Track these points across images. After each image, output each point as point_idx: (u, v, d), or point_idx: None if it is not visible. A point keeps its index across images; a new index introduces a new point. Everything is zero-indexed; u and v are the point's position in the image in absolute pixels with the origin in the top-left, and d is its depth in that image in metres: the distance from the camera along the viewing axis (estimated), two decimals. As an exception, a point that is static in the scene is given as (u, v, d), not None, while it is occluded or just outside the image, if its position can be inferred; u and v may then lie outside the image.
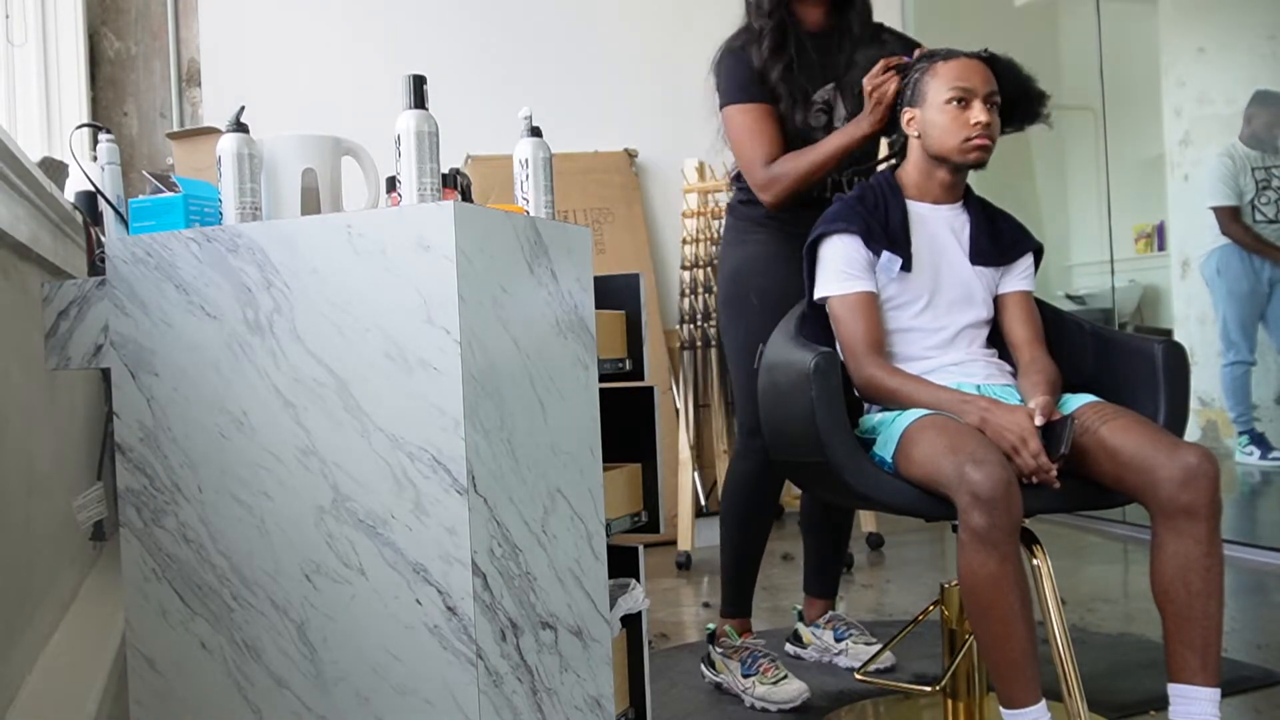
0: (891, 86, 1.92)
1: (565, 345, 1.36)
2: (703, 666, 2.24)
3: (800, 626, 2.39)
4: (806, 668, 2.30)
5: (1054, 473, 1.60)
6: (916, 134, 1.89)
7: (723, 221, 3.70)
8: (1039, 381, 1.77)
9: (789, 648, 2.40)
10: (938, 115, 1.83)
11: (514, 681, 1.21)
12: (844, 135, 2.03)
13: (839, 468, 1.69)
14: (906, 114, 1.89)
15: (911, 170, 1.92)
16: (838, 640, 2.32)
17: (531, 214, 1.49)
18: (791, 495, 3.68)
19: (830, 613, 2.38)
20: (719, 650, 2.20)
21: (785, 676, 2.09)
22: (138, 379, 1.33)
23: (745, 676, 2.11)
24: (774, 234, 2.18)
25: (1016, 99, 1.90)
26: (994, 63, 1.86)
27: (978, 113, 1.81)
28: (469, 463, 1.15)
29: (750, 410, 2.15)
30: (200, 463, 1.30)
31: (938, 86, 1.83)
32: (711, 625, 2.26)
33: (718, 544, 3.70)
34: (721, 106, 2.17)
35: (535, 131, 1.52)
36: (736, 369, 2.23)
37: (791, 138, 2.12)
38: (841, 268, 1.86)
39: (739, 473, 2.24)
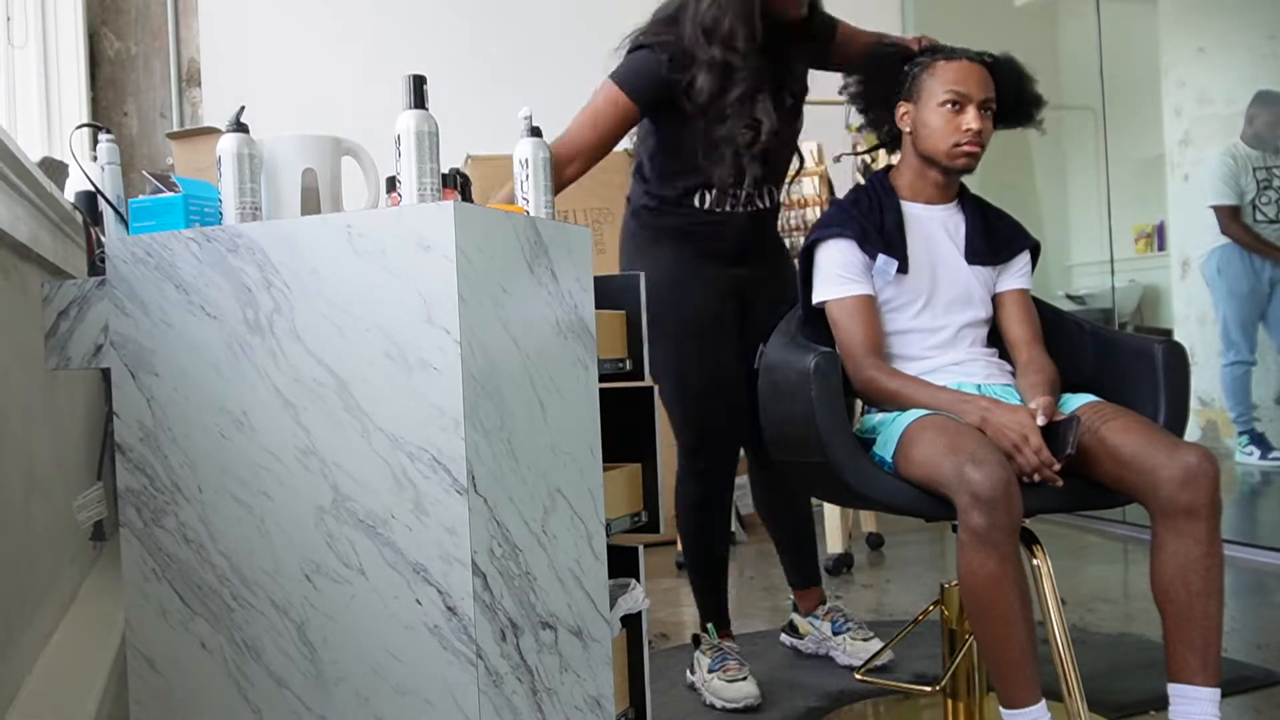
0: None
1: (565, 345, 1.36)
2: (686, 670, 2.26)
3: (796, 617, 2.40)
4: (812, 669, 2.30)
5: (1056, 468, 1.60)
6: (909, 130, 1.89)
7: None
8: (1038, 381, 1.77)
9: (785, 638, 2.41)
10: (930, 116, 1.84)
11: (514, 681, 1.21)
12: None
13: (839, 468, 1.69)
14: (901, 108, 1.89)
15: (905, 170, 1.92)
16: (835, 633, 2.32)
17: (531, 214, 1.49)
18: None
19: (831, 605, 2.38)
20: (699, 650, 2.21)
21: (744, 679, 2.09)
22: (138, 379, 1.33)
23: (709, 672, 2.14)
24: (688, 249, 2.09)
25: (1016, 102, 1.90)
26: (995, 68, 1.86)
27: (970, 119, 1.81)
28: (469, 463, 1.15)
29: (687, 431, 2.17)
30: (200, 463, 1.30)
31: (934, 86, 1.83)
32: (696, 632, 2.27)
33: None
34: (608, 77, 2.01)
35: (535, 131, 1.52)
36: (663, 394, 2.12)
37: (712, 145, 2.00)
38: (838, 272, 1.86)
39: (687, 494, 2.23)
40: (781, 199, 2.23)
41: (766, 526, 2.42)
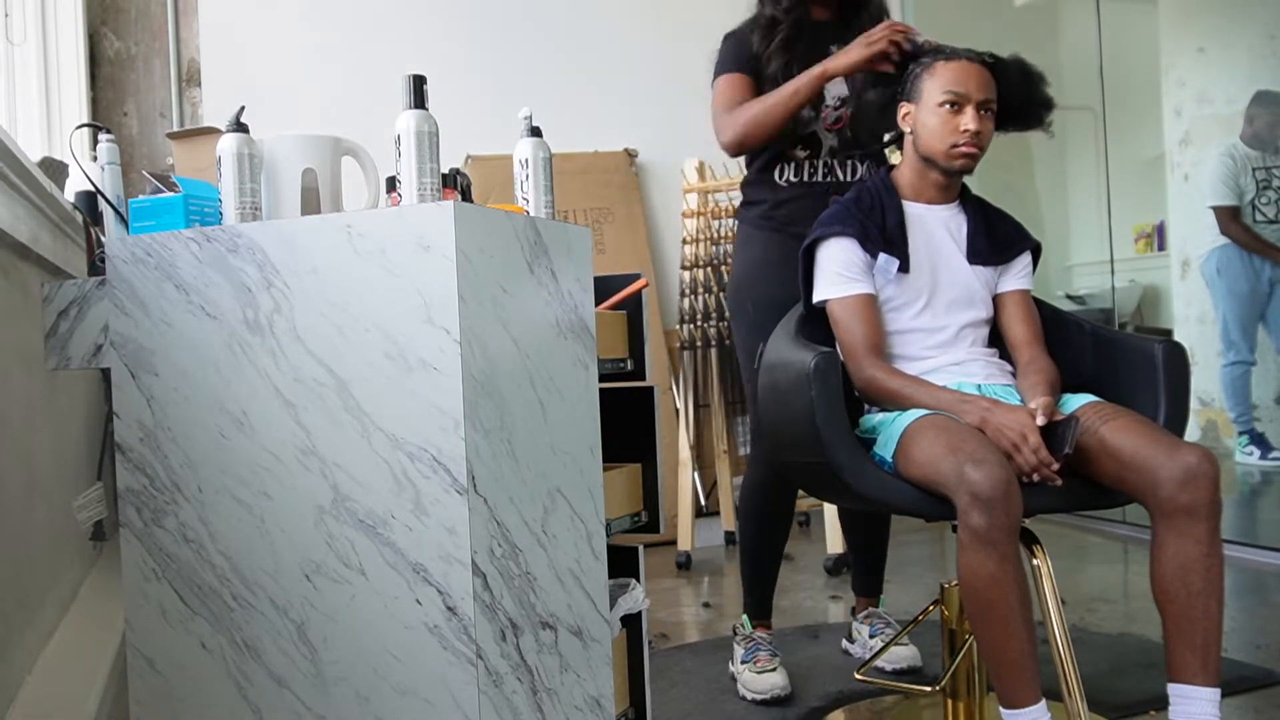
0: (882, 44, 1.94)
1: (565, 345, 1.36)
2: (729, 661, 2.30)
3: (854, 623, 2.43)
4: (816, 668, 2.31)
5: (1055, 467, 1.60)
6: (910, 130, 1.89)
7: (723, 221, 3.71)
8: (1038, 382, 1.77)
9: (844, 644, 2.44)
10: (929, 116, 1.84)
11: (514, 681, 1.21)
12: (811, 70, 2.03)
13: (839, 468, 1.69)
14: (903, 108, 1.90)
15: (906, 170, 1.92)
16: (871, 637, 2.35)
17: (531, 214, 1.49)
18: (807, 502, 3.69)
19: (870, 609, 2.40)
20: (735, 640, 2.25)
21: (774, 670, 2.13)
22: (138, 379, 1.33)
23: (741, 664, 2.18)
24: (770, 237, 2.18)
25: (1021, 104, 1.89)
26: (997, 69, 1.85)
27: (968, 119, 1.80)
28: (469, 463, 1.15)
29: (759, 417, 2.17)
30: (200, 463, 1.30)
31: (933, 86, 1.83)
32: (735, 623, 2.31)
33: (718, 544, 3.75)
34: (713, 82, 2.19)
35: (535, 131, 1.52)
36: (749, 379, 2.22)
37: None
38: (839, 270, 1.86)
39: (753, 479, 2.26)
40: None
41: (843, 530, 2.49)
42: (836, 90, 2.16)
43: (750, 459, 2.30)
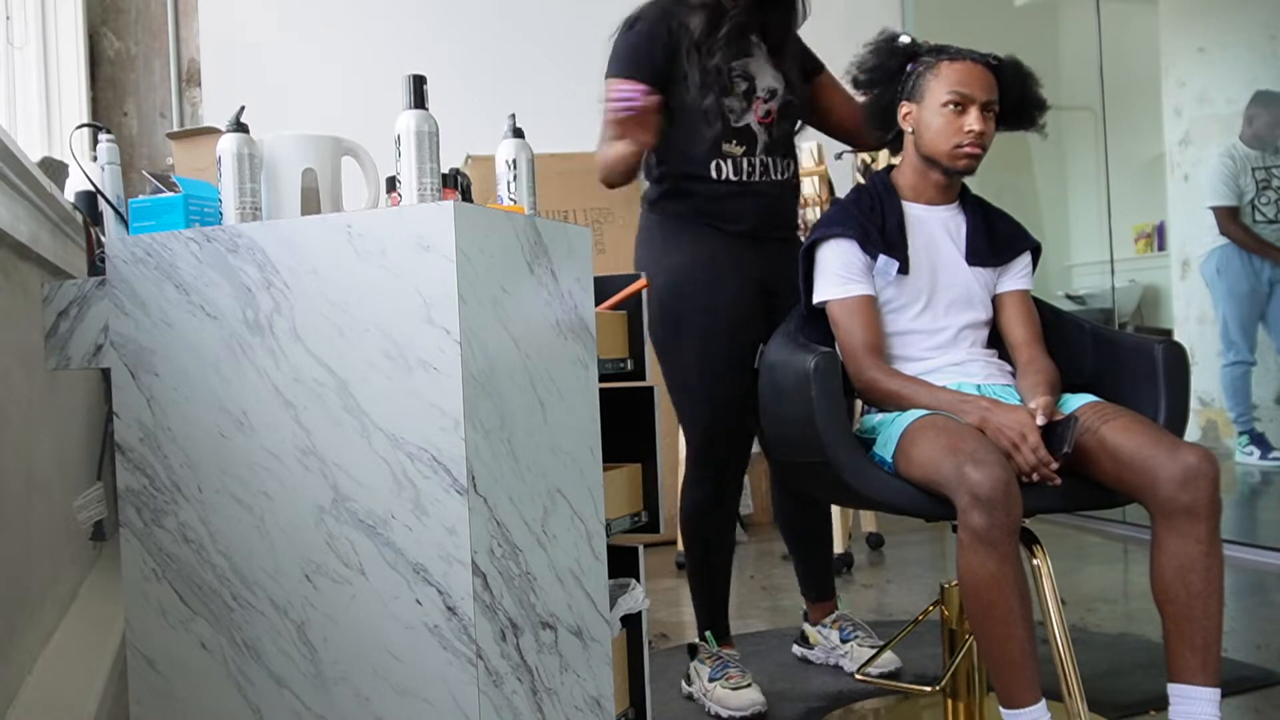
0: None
1: (565, 345, 1.36)
2: (682, 681, 2.20)
3: (806, 626, 2.39)
4: (813, 669, 2.30)
5: (1054, 467, 1.60)
6: (911, 130, 1.89)
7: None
8: (1038, 382, 1.77)
9: (796, 649, 2.39)
10: (933, 117, 1.83)
11: (514, 681, 1.21)
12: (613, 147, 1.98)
13: (839, 468, 1.69)
14: (904, 108, 1.89)
15: (907, 170, 1.92)
16: (843, 641, 2.30)
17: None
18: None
19: (838, 613, 2.37)
20: (698, 659, 2.16)
21: (749, 686, 2.05)
22: (138, 379, 1.33)
23: (710, 680, 2.08)
24: (711, 234, 2.06)
25: (1017, 105, 1.89)
26: (1000, 70, 1.85)
27: (972, 120, 1.80)
28: (469, 463, 1.15)
29: (697, 433, 2.11)
30: (200, 463, 1.30)
31: (937, 87, 1.83)
32: (693, 641, 2.22)
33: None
34: (606, 76, 2.05)
35: (518, 133, 1.52)
36: (682, 396, 2.10)
37: (707, 115, 2.02)
38: (839, 272, 1.86)
39: (693, 501, 2.16)
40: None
41: (784, 537, 2.40)
42: (766, 82, 2.08)
43: (687, 480, 2.18)
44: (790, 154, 2.15)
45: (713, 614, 2.20)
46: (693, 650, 2.20)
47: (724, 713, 2.03)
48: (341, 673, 1.22)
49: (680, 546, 3.48)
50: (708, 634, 2.18)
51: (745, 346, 2.02)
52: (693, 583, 2.22)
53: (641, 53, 2.02)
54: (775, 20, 2.11)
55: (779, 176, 2.11)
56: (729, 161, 2.05)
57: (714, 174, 2.05)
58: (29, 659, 1.52)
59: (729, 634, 2.21)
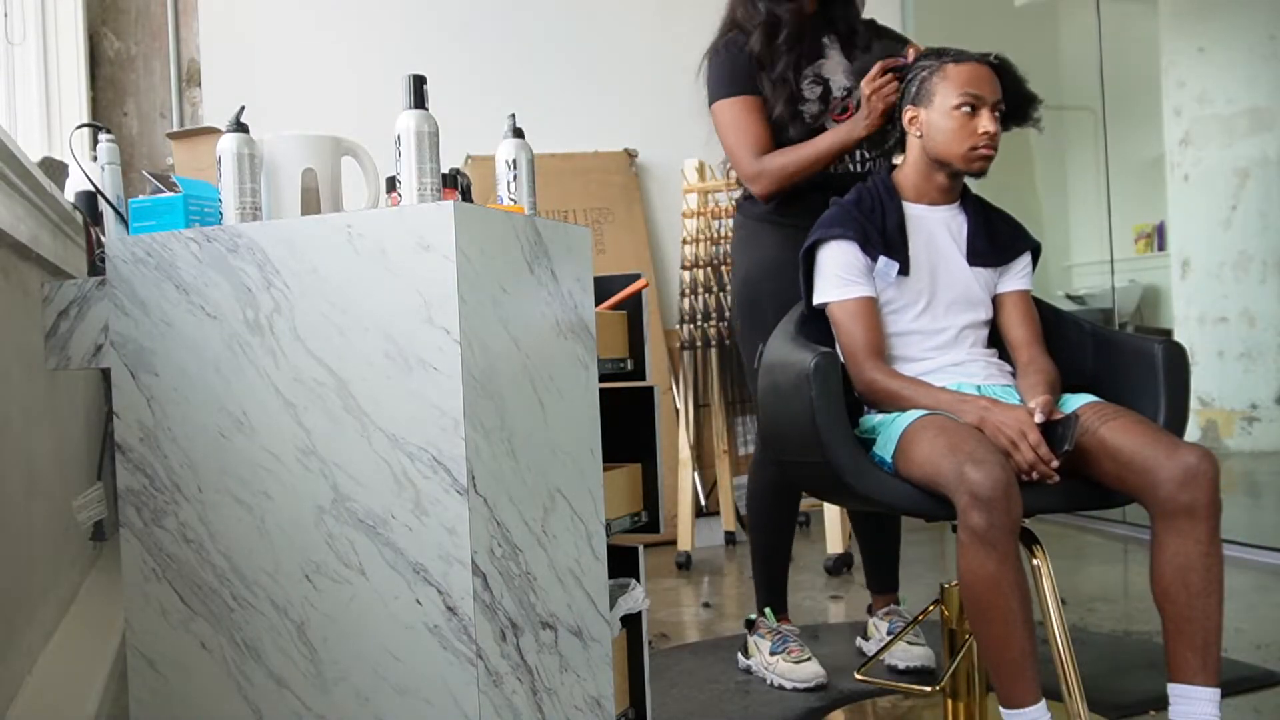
0: (891, 89, 1.92)
1: (565, 345, 1.36)
2: (739, 654, 2.32)
3: (870, 620, 2.42)
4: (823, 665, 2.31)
5: (1054, 464, 1.60)
6: (918, 134, 1.88)
7: (723, 221, 3.68)
8: (1038, 382, 1.77)
9: (859, 641, 2.44)
10: (945, 120, 1.82)
11: (514, 681, 1.21)
12: (837, 135, 2.04)
13: (839, 468, 1.69)
14: (909, 112, 1.89)
15: (910, 171, 1.92)
16: (889, 634, 2.33)
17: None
18: (807, 503, 3.68)
19: (891, 605, 2.39)
20: (756, 634, 2.26)
21: (810, 659, 2.16)
22: (138, 379, 1.33)
23: (772, 654, 2.20)
24: (786, 235, 2.14)
25: (1017, 103, 1.89)
26: (1002, 69, 1.85)
27: (986, 122, 1.80)
28: (469, 463, 1.15)
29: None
30: (200, 463, 1.30)
31: (947, 90, 1.82)
32: (751, 615, 2.31)
33: (718, 544, 3.75)
34: (710, 104, 2.19)
35: (518, 133, 1.53)
36: (754, 378, 2.19)
37: (783, 124, 2.13)
38: (839, 273, 1.86)
39: (760, 481, 2.27)
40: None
41: (854, 529, 2.48)
42: (841, 81, 2.16)
43: (756, 461, 2.30)
44: (877, 144, 2.15)
45: (772, 590, 2.31)
46: (750, 625, 2.30)
47: (788, 684, 2.16)
48: (341, 673, 1.22)
49: (681, 546, 3.49)
50: (767, 610, 2.28)
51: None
52: (755, 559, 2.33)
53: (738, 71, 2.14)
54: (838, 15, 2.20)
55: (854, 169, 2.18)
56: None
57: None
58: (29, 659, 1.52)
59: (786, 610, 2.32)
